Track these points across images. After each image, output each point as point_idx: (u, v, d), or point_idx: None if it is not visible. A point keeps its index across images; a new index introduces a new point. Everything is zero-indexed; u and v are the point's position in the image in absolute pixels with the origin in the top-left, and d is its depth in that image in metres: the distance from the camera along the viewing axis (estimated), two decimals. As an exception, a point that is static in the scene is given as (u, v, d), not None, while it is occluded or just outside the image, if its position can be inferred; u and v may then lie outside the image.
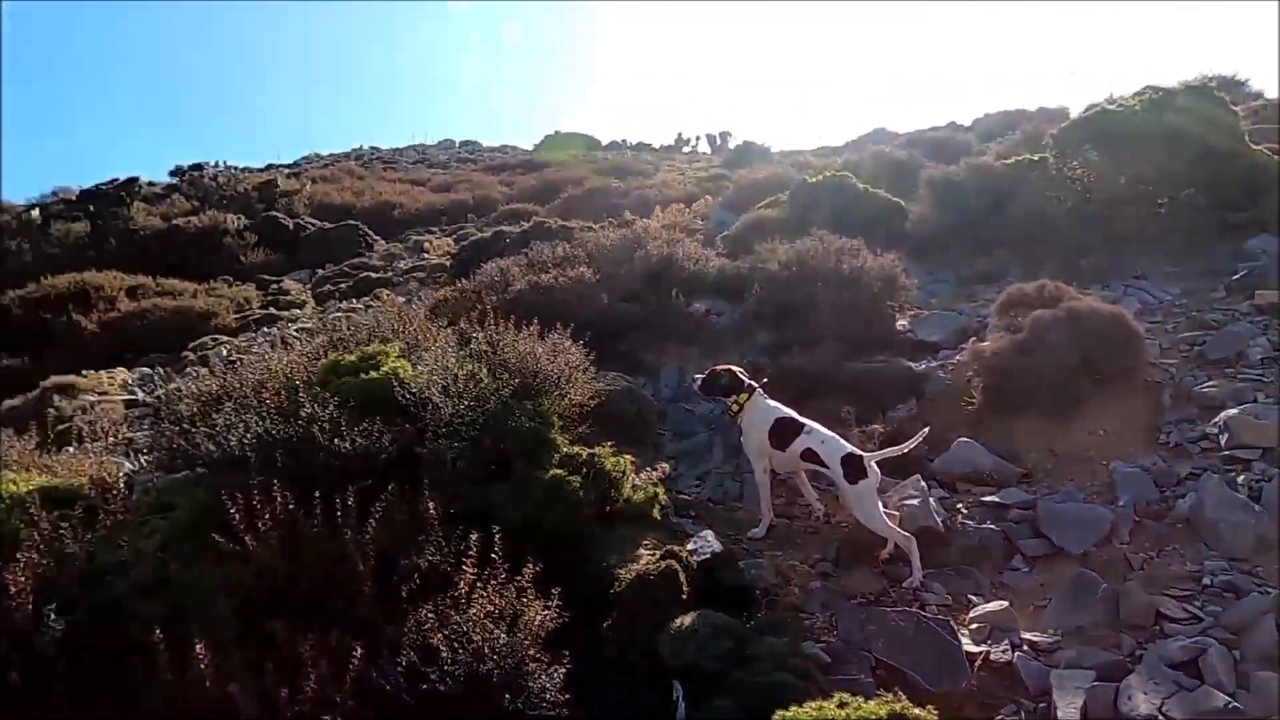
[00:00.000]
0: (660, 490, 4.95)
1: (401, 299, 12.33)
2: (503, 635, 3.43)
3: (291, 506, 3.27)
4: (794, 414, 4.87)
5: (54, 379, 9.18)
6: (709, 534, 4.47)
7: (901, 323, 7.67)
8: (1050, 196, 9.45)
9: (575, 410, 5.21)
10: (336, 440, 3.71)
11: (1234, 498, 4.16)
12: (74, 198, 19.18)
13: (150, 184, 20.23)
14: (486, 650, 3.38)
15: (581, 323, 7.36)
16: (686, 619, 3.70)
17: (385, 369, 4.29)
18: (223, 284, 14.50)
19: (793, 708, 2.86)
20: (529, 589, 3.57)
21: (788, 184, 12.34)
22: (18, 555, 2.93)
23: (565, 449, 4.84)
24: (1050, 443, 5.39)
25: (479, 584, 3.52)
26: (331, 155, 34.91)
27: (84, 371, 9.68)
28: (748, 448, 4.97)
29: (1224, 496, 4.17)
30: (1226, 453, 4.65)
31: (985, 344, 5.92)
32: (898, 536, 4.41)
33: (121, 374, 10.15)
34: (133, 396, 9.36)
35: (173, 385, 7.68)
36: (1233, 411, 4.82)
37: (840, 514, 4.93)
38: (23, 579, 2.88)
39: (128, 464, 5.69)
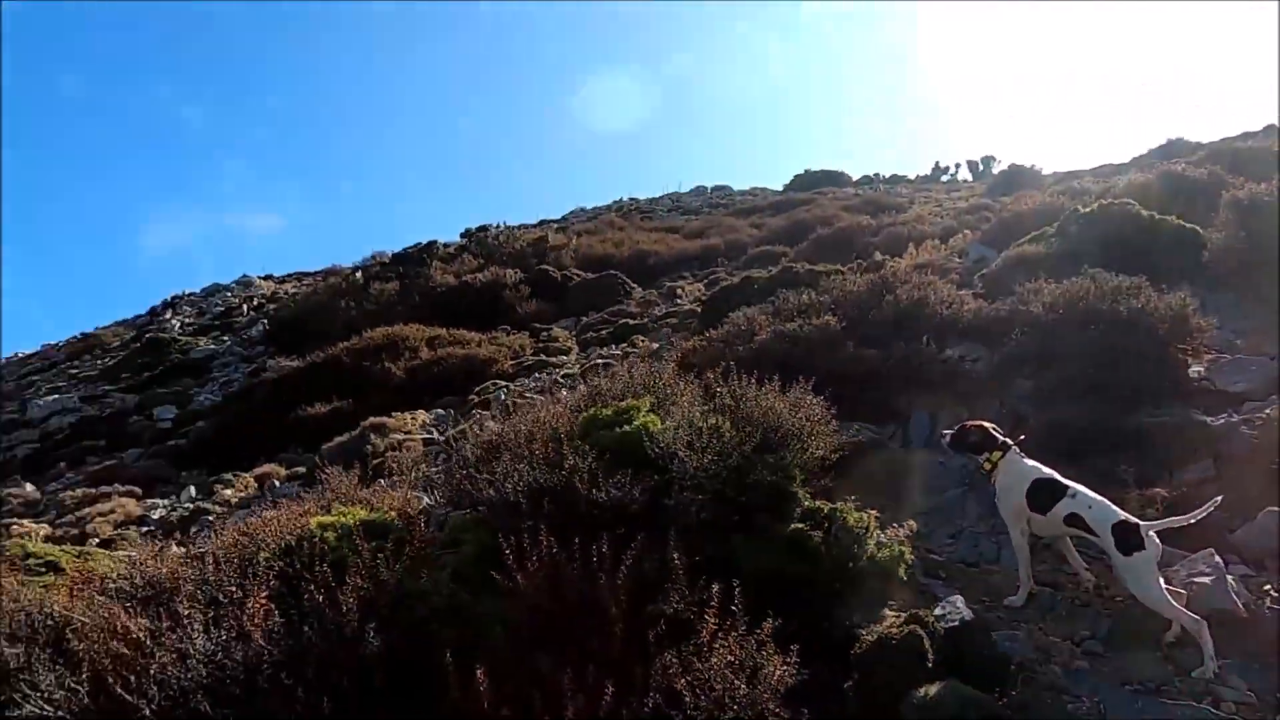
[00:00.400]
0: (906, 549, 4.82)
1: (655, 345, 13.06)
2: (743, 686, 3.57)
3: (554, 550, 3.66)
4: (1055, 475, 4.54)
5: (371, 419, 10.82)
6: (959, 599, 4.29)
7: (1196, 369, 6.80)
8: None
9: (817, 464, 5.25)
10: (594, 490, 4.09)
11: None
12: (387, 260, 22.49)
13: (445, 245, 23.19)
14: (727, 699, 3.53)
15: (826, 372, 7.40)
16: (932, 689, 3.59)
17: (637, 423, 4.65)
18: (502, 333, 16.20)
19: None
20: (768, 643, 3.69)
21: (1057, 214, 11.41)
22: (345, 579, 3.58)
23: (807, 503, 4.90)
24: (1396, 518, 4.52)
25: (720, 634, 3.70)
26: (595, 209, 37.64)
27: (393, 413, 11.30)
28: (1003, 510, 4.71)
29: None
30: None
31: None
32: (1184, 618, 3.93)
33: (421, 415, 11.72)
34: (429, 436, 10.78)
35: (459, 428, 8.74)
36: None
37: (1114, 587, 4.49)
38: (351, 600, 3.52)
39: (426, 499, 6.60)
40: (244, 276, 29.32)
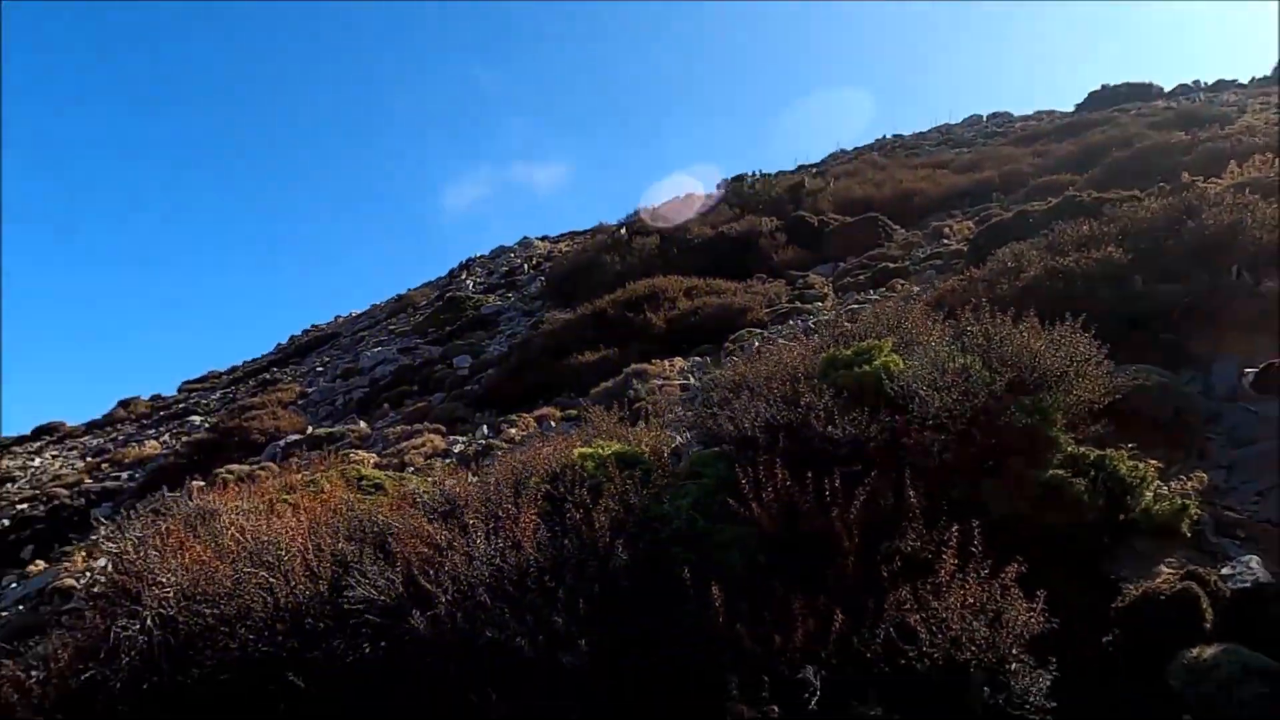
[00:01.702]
0: (1192, 503, 4.32)
1: (915, 288, 12.47)
2: (982, 629, 3.48)
3: (788, 483, 3.79)
4: (1397, 423, 3.80)
5: (633, 366, 11.54)
6: (1254, 560, 3.79)
7: None
8: None
9: (1084, 408, 4.83)
10: (829, 427, 4.13)
11: None
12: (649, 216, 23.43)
13: (706, 196, 23.70)
14: (964, 640, 3.47)
15: (1108, 310, 6.69)
16: (1208, 650, 3.25)
17: (877, 363, 4.59)
18: (757, 282, 16.33)
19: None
20: (1012, 588, 3.55)
21: None
22: (599, 501, 3.99)
23: (1069, 449, 4.55)
24: None
25: (959, 575, 3.62)
26: (855, 149, 36.13)
27: (653, 360, 11.95)
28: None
29: None
30: None
31: None
32: None
33: (679, 362, 12.27)
34: (685, 381, 11.28)
35: (710, 374, 9.06)
36: None
37: None
38: (604, 519, 3.92)
39: (678, 437, 7.00)
40: (524, 238, 32.12)
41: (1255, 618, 3.53)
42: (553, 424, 11.46)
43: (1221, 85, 32.01)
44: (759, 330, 13.22)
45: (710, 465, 4.51)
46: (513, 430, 11.61)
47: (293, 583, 4.21)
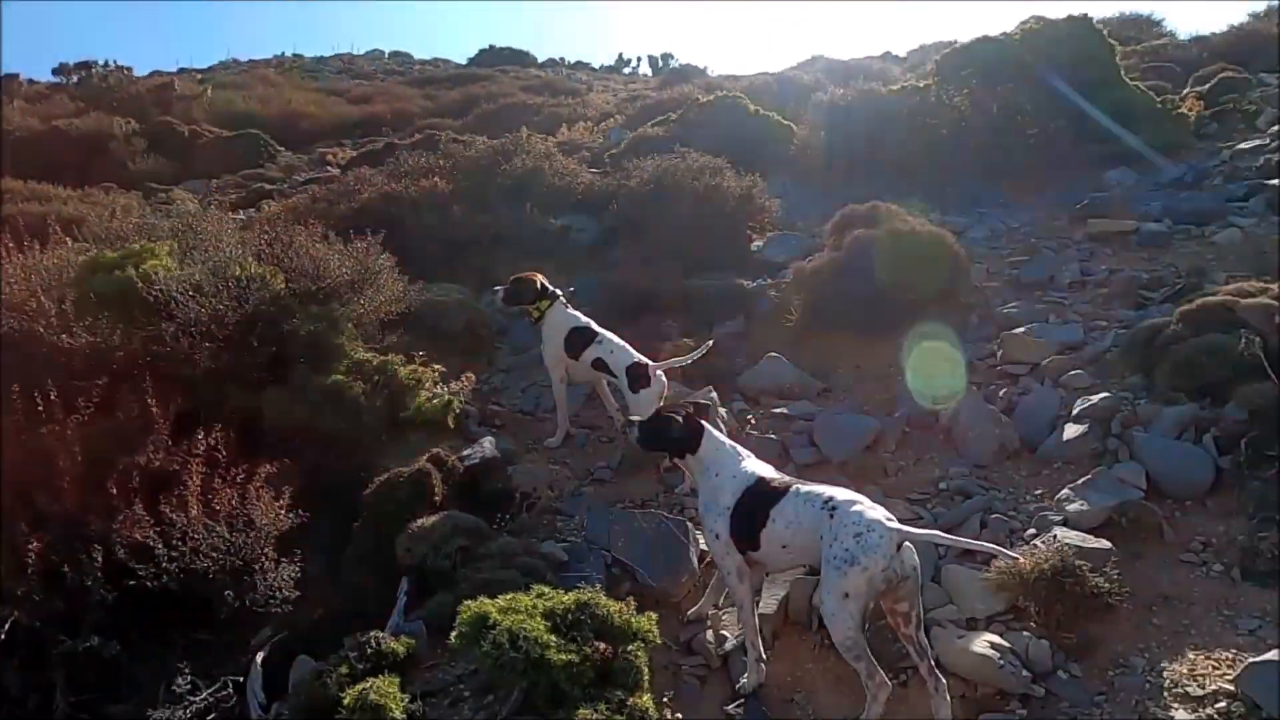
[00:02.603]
0: (456, 399, 4.91)
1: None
2: (225, 534, 3.42)
3: (-11, 400, 3.16)
4: (591, 323, 4.85)
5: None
6: (489, 440, 4.49)
7: (757, 243, 7.67)
8: (930, 124, 9.44)
9: (377, 318, 5.12)
10: (64, 337, 3.57)
11: (987, 410, 4.31)
12: (-51, 95, 17.92)
13: (31, 82, 19.02)
14: (205, 548, 3.37)
15: (429, 234, 7.23)
16: (431, 519, 3.72)
17: (144, 268, 4.13)
18: (102, 191, 13.80)
19: (481, 598, 2.89)
20: (262, 490, 3.55)
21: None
22: None
23: (356, 355, 4.78)
24: (858, 359, 5.50)
25: (211, 485, 3.49)
26: (250, 61, 33.16)
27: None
28: (545, 356, 4.96)
29: (978, 409, 4.31)
30: (999, 368, 4.80)
31: (810, 263, 5.95)
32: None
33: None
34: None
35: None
36: (1017, 330, 4.95)
37: (637, 424, 4.98)
38: None
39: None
40: None
41: (481, 487, 4.18)
42: None
43: (580, 65, 37.87)
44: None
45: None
46: None
47: None
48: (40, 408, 3.21)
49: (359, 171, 8.61)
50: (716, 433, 3.31)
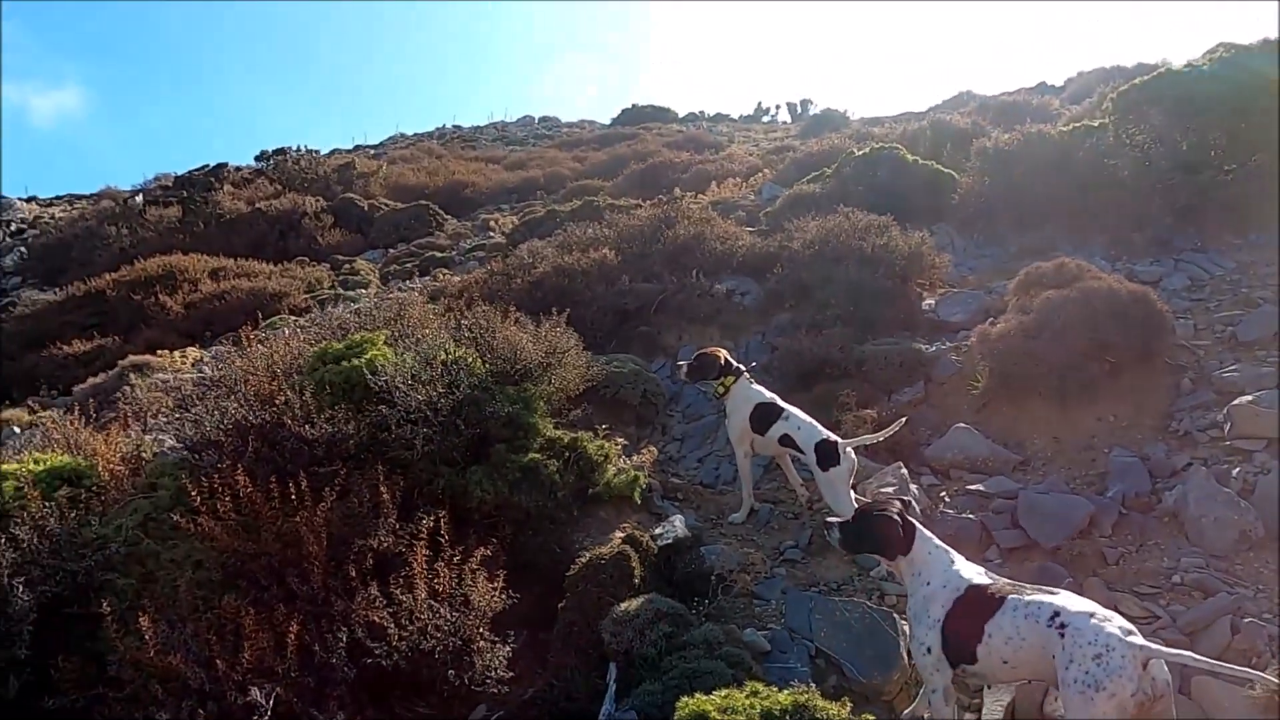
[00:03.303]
0: (642, 475, 5.02)
1: (456, 278, 12.73)
2: (448, 615, 3.62)
3: (249, 490, 3.52)
4: (776, 399, 4.86)
5: (131, 358, 9.92)
6: (679, 518, 4.54)
7: (928, 302, 7.45)
8: (1108, 164, 8.92)
9: (564, 395, 5.33)
10: (306, 427, 3.94)
11: (1220, 492, 3.95)
12: (170, 183, 20.45)
13: (238, 168, 21.37)
14: (430, 628, 3.58)
15: (602, 305, 7.49)
16: (634, 603, 3.79)
17: (367, 357, 4.51)
18: (298, 265, 15.24)
19: (698, 695, 2.92)
20: (480, 570, 3.75)
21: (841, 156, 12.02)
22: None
23: (549, 433, 4.98)
24: (1055, 430, 5.20)
25: (432, 565, 3.71)
26: (415, 135, 35.85)
27: (159, 350, 10.41)
28: (730, 432, 5.00)
29: (1209, 490, 3.95)
30: (1228, 443, 4.39)
31: (994, 326, 5.72)
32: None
33: (195, 352, 10.88)
34: (203, 375, 10.05)
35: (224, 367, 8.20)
36: (1244, 399, 4.53)
37: (822, 501, 4.90)
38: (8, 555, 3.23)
39: (170, 440, 6.16)
40: (1, 198, 25.76)
41: (676, 567, 4.23)
42: (17, 429, 9.36)
43: (719, 117, 38.49)
44: (294, 317, 12.34)
45: (169, 475, 4.01)
46: (-44, 442, 9.21)
47: None
48: (293, 495, 3.53)
49: (531, 244, 9.05)
50: (928, 533, 3.20)
